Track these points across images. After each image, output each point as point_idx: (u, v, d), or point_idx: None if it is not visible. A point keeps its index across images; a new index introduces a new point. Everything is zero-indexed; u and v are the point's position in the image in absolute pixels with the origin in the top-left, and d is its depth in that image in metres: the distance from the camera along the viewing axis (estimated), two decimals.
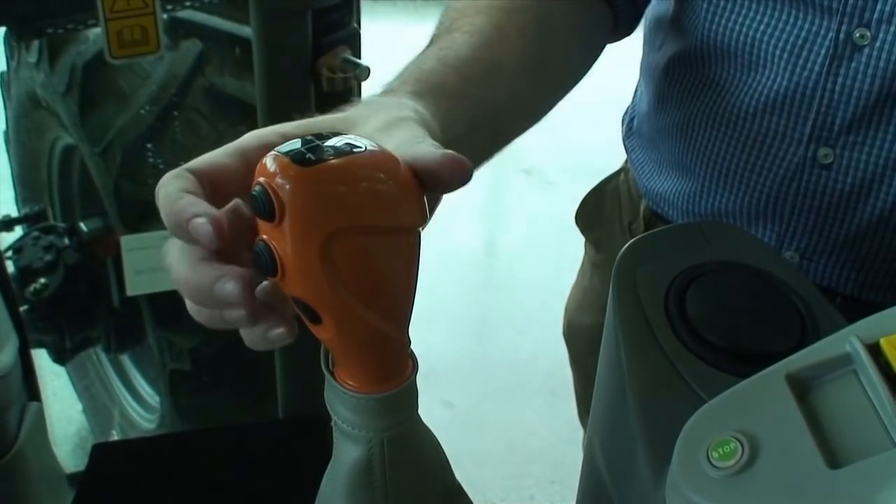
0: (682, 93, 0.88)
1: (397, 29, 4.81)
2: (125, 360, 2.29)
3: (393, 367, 0.48)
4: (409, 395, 0.48)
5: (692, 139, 0.88)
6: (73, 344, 2.04)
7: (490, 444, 2.62)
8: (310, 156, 0.42)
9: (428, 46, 0.74)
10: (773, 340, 0.54)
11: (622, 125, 1.06)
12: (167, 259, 0.47)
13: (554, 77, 0.81)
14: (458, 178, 0.47)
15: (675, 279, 0.58)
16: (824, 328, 0.56)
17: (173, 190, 0.46)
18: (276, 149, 0.44)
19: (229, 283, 0.44)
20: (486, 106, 0.70)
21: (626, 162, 1.06)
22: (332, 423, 0.48)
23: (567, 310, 1.20)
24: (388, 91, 0.65)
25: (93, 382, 2.37)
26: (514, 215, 3.60)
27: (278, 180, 0.42)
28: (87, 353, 2.29)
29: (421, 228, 0.46)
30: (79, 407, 2.47)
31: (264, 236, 0.44)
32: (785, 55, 0.78)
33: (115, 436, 2.27)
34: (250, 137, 0.50)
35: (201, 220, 0.44)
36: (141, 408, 2.21)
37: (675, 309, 0.56)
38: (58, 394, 2.55)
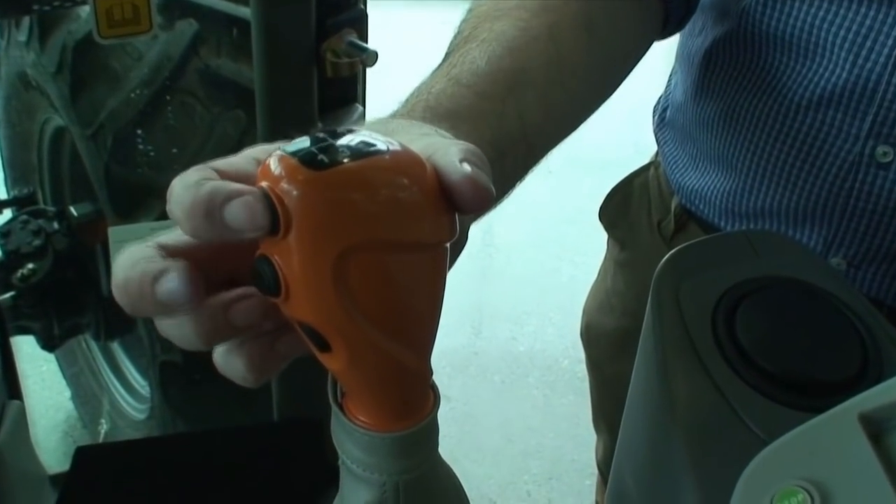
0: (726, 81, 0.83)
1: (402, 11, 4.77)
2: (115, 348, 2.28)
3: (412, 401, 0.42)
4: (430, 434, 0.42)
5: (735, 131, 0.83)
6: (61, 331, 2.04)
7: (487, 439, 2.60)
8: (322, 157, 0.36)
9: (440, 63, 0.66)
10: (832, 368, 0.49)
11: (653, 116, 1.01)
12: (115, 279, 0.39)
13: (591, 81, 0.72)
14: (474, 203, 0.39)
15: (722, 297, 0.52)
16: (887, 354, 0.50)
17: (197, 178, 0.38)
18: (281, 147, 0.37)
19: (171, 277, 0.37)
20: (511, 123, 0.61)
21: (657, 155, 1.01)
22: (340, 462, 0.42)
23: (586, 311, 1.14)
24: (396, 118, 0.56)
25: (82, 370, 2.36)
26: (512, 205, 3.54)
27: (284, 186, 0.35)
28: (77, 340, 2.27)
29: (449, 243, 0.40)
30: (67, 394, 2.44)
31: (265, 251, 0.37)
32: (846, 45, 0.73)
33: (104, 425, 2.25)
34: (258, 150, 0.43)
35: (248, 199, 0.36)
36: (131, 397, 2.20)
37: (723, 331, 0.50)
38: (46, 380, 2.53)
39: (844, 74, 0.73)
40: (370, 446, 0.41)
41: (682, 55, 0.92)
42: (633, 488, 0.54)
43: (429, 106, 0.57)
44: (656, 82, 0.98)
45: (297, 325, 0.39)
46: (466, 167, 0.39)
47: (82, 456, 1.04)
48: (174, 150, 1.60)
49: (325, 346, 0.38)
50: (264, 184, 0.36)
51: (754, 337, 0.50)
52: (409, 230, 0.38)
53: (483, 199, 0.39)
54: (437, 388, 0.43)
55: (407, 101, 0.60)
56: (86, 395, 2.34)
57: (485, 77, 0.62)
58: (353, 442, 0.41)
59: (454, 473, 0.46)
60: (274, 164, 0.36)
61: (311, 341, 0.39)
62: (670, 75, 0.99)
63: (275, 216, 0.35)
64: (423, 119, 0.54)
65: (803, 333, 0.51)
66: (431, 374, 0.42)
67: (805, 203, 0.79)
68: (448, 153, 0.40)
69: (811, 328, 0.51)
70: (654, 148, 1.03)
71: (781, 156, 0.79)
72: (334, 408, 0.42)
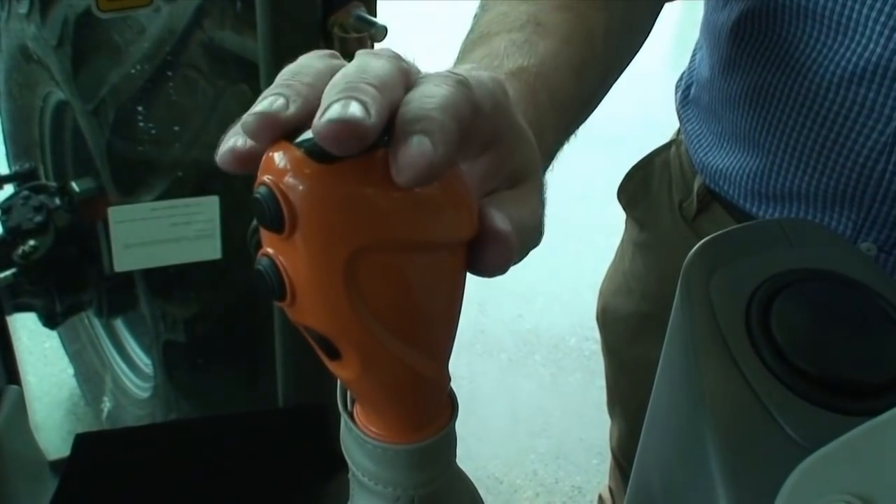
0: (754, 57, 0.80)
1: None
2: (118, 324, 2.26)
3: (428, 411, 0.38)
4: (447, 445, 0.39)
5: (763, 109, 0.79)
6: (63, 308, 2.02)
7: (493, 418, 2.59)
8: None
9: (472, 29, 0.64)
10: (876, 368, 0.45)
11: (676, 93, 0.98)
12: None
13: (612, 56, 0.69)
14: (492, 262, 0.38)
15: (756, 290, 0.49)
16: None
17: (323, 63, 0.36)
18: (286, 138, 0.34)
19: None
20: (544, 104, 0.58)
21: (678, 133, 0.97)
22: (350, 474, 0.39)
23: (602, 293, 1.11)
24: None
25: (84, 347, 2.35)
26: None
27: (289, 180, 0.32)
28: (79, 317, 2.25)
29: (469, 241, 0.37)
30: (70, 371, 2.42)
31: (270, 250, 0.34)
32: (882, 18, 0.69)
33: (107, 403, 2.23)
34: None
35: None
36: (134, 375, 2.18)
37: (758, 327, 0.47)
38: (48, 357, 2.51)
39: (879, 50, 0.70)
40: (383, 459, 0.38)
41: (708, 30, 0.88)
42: (660, 491, 0.51)
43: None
44: (660, 53, 0.94)
45: (305, 330, 0.35)
46: (503, 226, 0.37)
47: (82, 443, 1.01)
48: (176, 128, 1.57)
49: (335, 354, 0.35)
50: (267, 178, 0.33)
51: (791, 334, 0.46)
52: (427, 228, 0.34)
53: (500, 263, 0.38)
54: (455, 396, 0.40)
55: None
56: (88, 372, 2.32)
57: (521, 52, 0.59)
58: (365, 454, 0.38)
59: (473, 485, 0.43)
60: (278, 156, 0.33)
61: (319, 348, 0.36)
62: (694, 50, 0.96)
63: (279, 214, 0.32)
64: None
65: (844, 330, 0.47)
66: (449, 381, 0.39)
67: (835, 185, 0.76)
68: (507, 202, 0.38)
69: (852, 324, 0.48)
70: (663, 123, 1.00)
71: (811, 135, 0.76)
72: (344, 417, 0.39)
